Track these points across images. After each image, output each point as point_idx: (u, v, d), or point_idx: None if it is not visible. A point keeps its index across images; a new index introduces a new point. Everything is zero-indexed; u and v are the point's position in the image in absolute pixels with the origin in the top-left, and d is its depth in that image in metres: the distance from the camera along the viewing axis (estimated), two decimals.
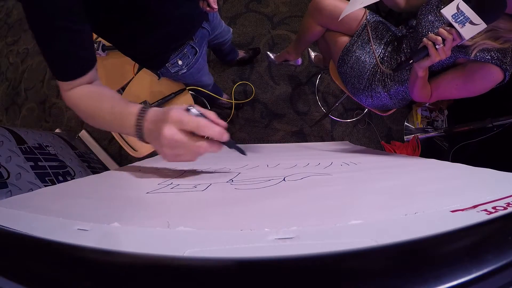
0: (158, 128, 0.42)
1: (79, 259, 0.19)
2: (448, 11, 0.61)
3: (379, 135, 1.57)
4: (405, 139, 1.54)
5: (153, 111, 0.45)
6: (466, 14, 0.59)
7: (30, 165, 1.16)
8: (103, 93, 0.53)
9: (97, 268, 0.18)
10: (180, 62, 0.86)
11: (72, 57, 0.51)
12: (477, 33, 0.60)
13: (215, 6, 0.84)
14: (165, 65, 0.85)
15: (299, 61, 1.41)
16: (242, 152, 0.47)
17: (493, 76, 0.73)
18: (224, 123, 0.44)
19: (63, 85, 0.52)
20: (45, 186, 1.14)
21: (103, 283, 0.17)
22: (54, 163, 1.30)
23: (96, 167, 1.58)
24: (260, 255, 0.18)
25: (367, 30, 0.91)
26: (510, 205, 0.24)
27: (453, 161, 0.48)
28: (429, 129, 1.50)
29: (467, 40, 0.62)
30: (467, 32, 0.60)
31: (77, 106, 0.53)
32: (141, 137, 0.46)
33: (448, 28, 0.62)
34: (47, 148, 1.36)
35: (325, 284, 0.16)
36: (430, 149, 1.47)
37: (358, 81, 0.97)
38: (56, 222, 0.26)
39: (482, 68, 0.73)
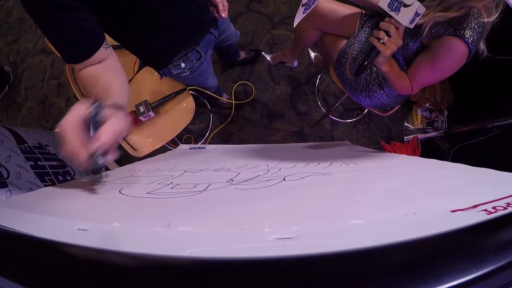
0: None
1: (79, 258, 0.19)
2: (383, 2, 0.61)
3: (379, 135, 1.57)
4: (405, 139, 1.54)
5: None
6: None
7: (30, 165, 1.15)
8: (97, 81, 0.57)
9: (97, 267, 0.18)
10: (183, 65, 0.86)
11: (73, 43, 0.55)
12: (426, 10, 0.59)
13: (224, 15, 0.82)
14: (167, 66, 0.85)
15: (295, 63, 1.40)
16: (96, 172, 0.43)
17: (455, 48, 0.69)
18: (101, 142, 0.40)
19: (74, 66, 0.58)
20: (45, 185, 1.14)
21: (103, 283, 0.17)
22: (54, 163, 1.30)
23: None
24: (260, 255, 0.18)
25: (357, 28, 0.91)
26: (510, 205, 0.24)
27: (453, 161, 0.48)
28: (429, 130, 1.50)
29: (419, 19, 0.61)
30: (404, 16, 0.59)
31: (80, 85, 0.62)
32: None
33: (388, 19, 0.62)
34: (47, 147, 1.36)
35: (325, 284, 0.16)
36: (430, 150, 1.47)
37: (355, 82, 0.97)
38: (56, 222, 0.26)
39: (442, 43, 0.71)
